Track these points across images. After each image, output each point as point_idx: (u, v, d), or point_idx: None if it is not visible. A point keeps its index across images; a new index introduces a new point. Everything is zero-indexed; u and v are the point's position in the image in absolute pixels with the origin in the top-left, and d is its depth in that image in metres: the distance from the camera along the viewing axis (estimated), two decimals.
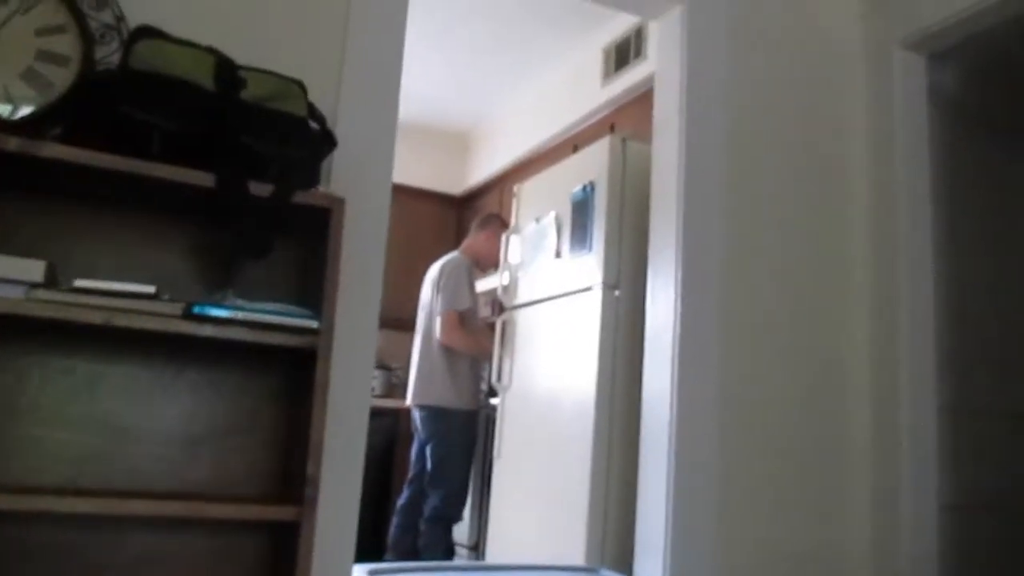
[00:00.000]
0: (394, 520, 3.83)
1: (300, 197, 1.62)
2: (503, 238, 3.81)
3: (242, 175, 1.57)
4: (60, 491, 1.53)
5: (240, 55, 1.71)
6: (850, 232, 2.62)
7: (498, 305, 3.66)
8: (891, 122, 2.66)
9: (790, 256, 2.52)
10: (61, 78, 1.68)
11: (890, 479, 2.44)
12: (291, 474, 1.69)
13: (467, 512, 3.79)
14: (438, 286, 3.79)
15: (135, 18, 1.76)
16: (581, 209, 3.00)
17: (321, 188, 1.77)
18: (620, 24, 3.91)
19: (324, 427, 1.56)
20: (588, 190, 2.97)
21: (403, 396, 4.23)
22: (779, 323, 2.46)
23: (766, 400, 2.40)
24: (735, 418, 2.35)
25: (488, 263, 3.99)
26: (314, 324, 1.57)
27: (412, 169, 5.39)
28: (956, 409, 2.73)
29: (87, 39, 1.71)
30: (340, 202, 1.65)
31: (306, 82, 1.77)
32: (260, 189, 1.58)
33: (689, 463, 2.25)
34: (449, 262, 3.88)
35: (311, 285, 1.73)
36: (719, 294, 2.37)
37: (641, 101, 3.59)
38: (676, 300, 2.33)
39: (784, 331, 2.47)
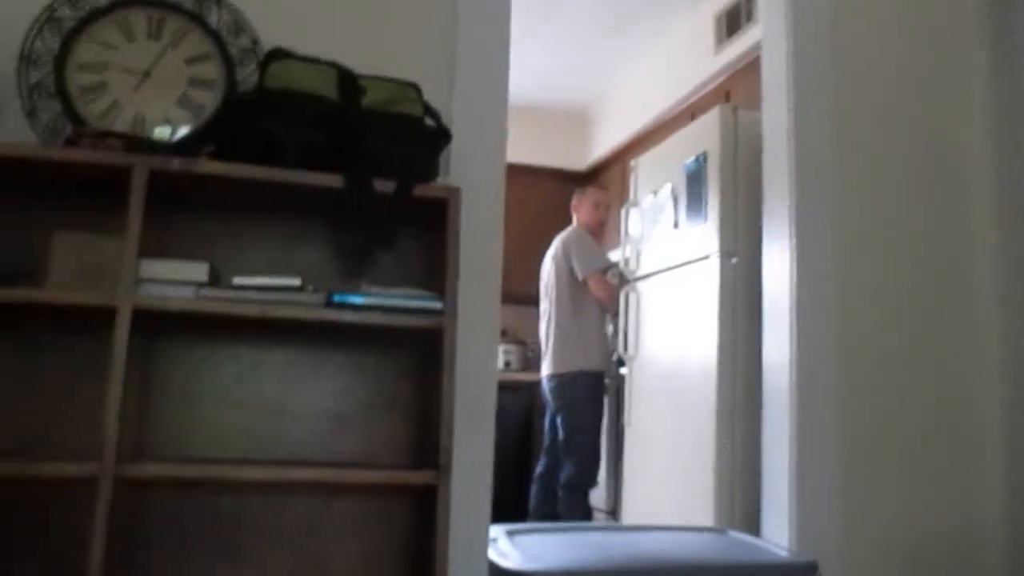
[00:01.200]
0: (533, 488, 4.01)
1: (419, 190, 1.78)
2: (589, 197, 4.11)
3: (367, 175, 1.74)
4: (236, 462, 1.77)
5: (360, 65, 1.89)
6: (973, 189, 2.55)
7: (621, 277, 3.75)
8: (1014, 73, 2.55)
9: (910, 215, 2.48)
10: (210, 100, 1.91)
11: (1022, 448, 2.37)
12: (428, 444, 1.86)
13: (603, 478, 3.92)
14: (568, 258, 3.93)
15: (269, 40, 1.97)
16: (695, 180, 3.04)
17: (440, 180, 1.92)
18: None
19: (454, 399, 1.72)
20: (701, 161, 3.01)
21: (537, 369, 4.39)
22: (898, 288, 2.44)
23: (888, 366, 2.39)
24: (856, 384, 2.35)
25: (595, 229, 4.15)
26: (438, 306, 1.73)
27: (535, 149, 5.52)
28: None
29: (229, 64, 1.94)
30: (456, 192, 1.80)
31: (421, 82, 1.93)
32: (384, 186, 1.75)
33: (811, 428, 2.28)
34: (568, 234, 4.07)
35: (437, 272, 1.88)
36: (834, 260, 2.38)
37: (755, 66, 3.55)
38: (792, 267, 2.36)
39: (904, 296, 2.44)
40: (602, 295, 3.87)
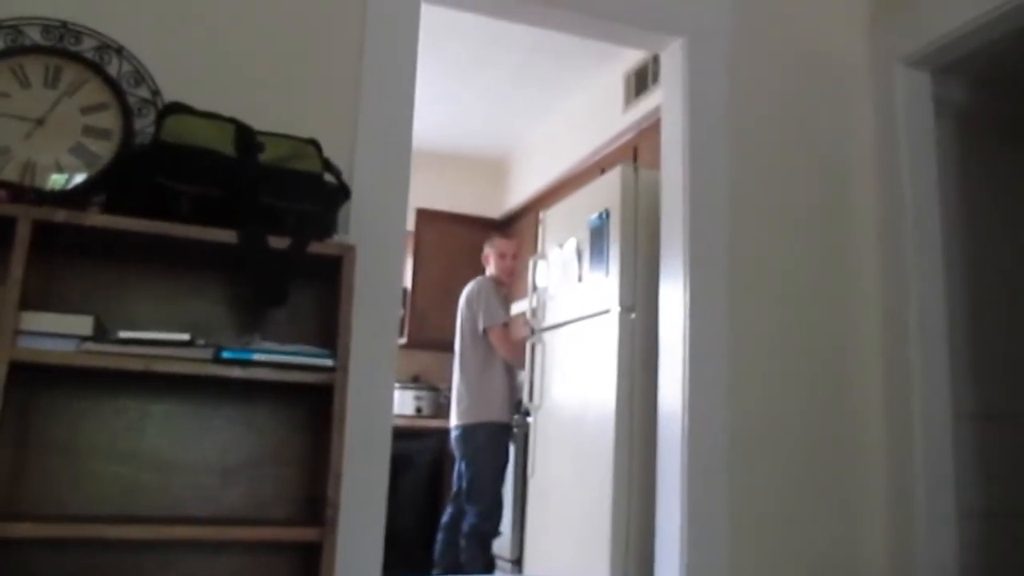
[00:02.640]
0: (439, 536, 4.00)
1: (315, 247, 1.80)
2: (497, 245, 4.25)
3: (261, 231, 1.75)
4: (115, 519, 1.73)
5: (262, 121, 1.91)
6: (858, 245, 2.70)
7: (529, 328, 3.82)
8: (896, 138, 2.72)
9: (798, 271, 2.61)
10: (105, 150, 1.90)
11: (905, 487, 2.49)
12: (318, 499, 1.85)
13: (508, 527, 3.93)
14: (472, 308, 3.99)
15: (168, 91, 1.98)
16: (598, 235, 3.13)
17: (338, 236, 1.94)
18: (639, 51, 4.03)
19: (343, 454, 1.72)
20: (604, 217, 3.11)
21: (449, 416, 4.40)
22: (788, 335, 2.56)
23: (777, 412, 2.49)
24: (746, 430, 2.44)
25: (504, 279, 4.27)
26: (330, 363, 1.74)
27: (453, 195, 5.59)
28: (974, 415, 2.78)
29: (127, 114, 1.93)
30: (351, 249, 1.83)
31: (323, 139, 1.96)
32: (278, 242, 1.76)
33: (701, 476, 2.36)
34: (473, 286, 4.15)
35: (332, 324, 1.90)
36: (726, 311, 2.48)
37: (660, 125, 3.70)
38: (685, 318, 2.45)
39: (794, 342, 2.56)
40: (502, 349, 3.93)
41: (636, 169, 3.09)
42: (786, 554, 2.43)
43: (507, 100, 4.88)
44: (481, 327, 3.93)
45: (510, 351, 3.94)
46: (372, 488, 1.99)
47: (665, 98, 2.74)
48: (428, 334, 5.16)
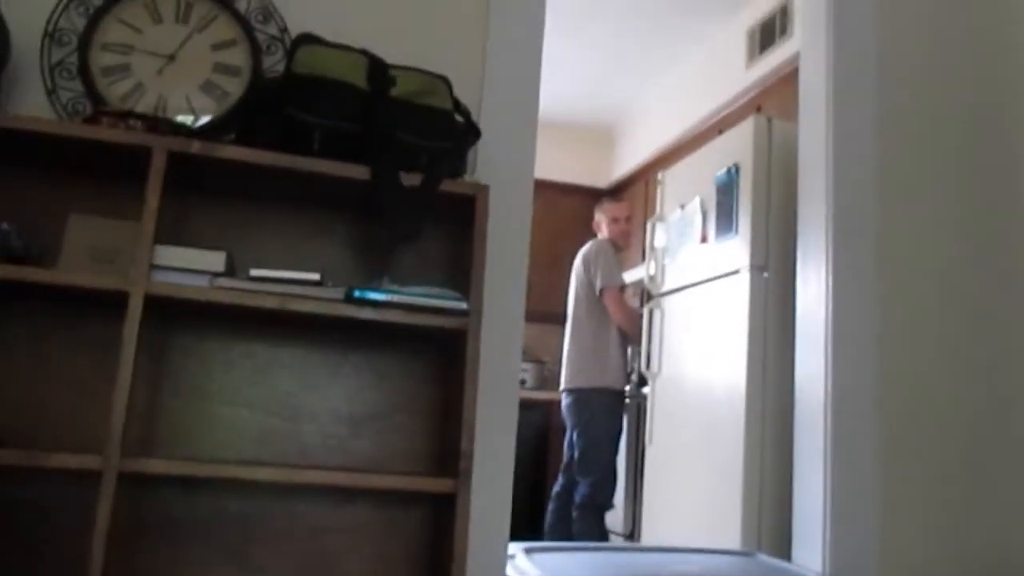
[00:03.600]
0: (549, 507, 3.91)
1: (447, 185, 1.71)
2: (610, 208, 4.07)
3: (394, 167, 1.67)
4: (247, 463, 1.69)
5: (390, 55, 1.83)
6: (1018, 210, 2.45)
7: (645, 294, 3.67)
8: None
9: (952, 232, 2.39)
10: (235, 87, 1.86)
11: None
12: (447, 451, 1.77)
13: (621, 499, 3.81)
14: (588, 270, 3.86)
15: (296, 29, 1.91)
16: (726, 192, 2.96)
17: (466, 177, 1.85)
18: (763, 4, 3.82)
19: (476, 404, 1.63)
20: (733, 173, 2.93)
21: (554, 388, 4.30)
22: (942, 300, 2.35)
23: (928, 385, 2.29)
24: (895, 404, 2.25)
25: (619, 243, 4.07)
26: (463, 306, 1.65)
27: (558, 165, 5.47)
28: None
29: (256, 50, 1.88)
30: (484, 189, 1.73)
31: (451, 77, 1.86)
32: (410, 179, 1.68)
33: (847, 449, 2.18)
34: (592, 245, 3.99)
35: (460, 271, 1.81)
36: (874, 275, 2.29)
37: (787, 82, 3.50)
38: (827, 281, 2.27)
39: (946, 314, 2.34)
40: (617, 313, 3.79)
41: (769, 121, 2.90)
42: (939, 529, 2.23)
43: (615, 64, 4.72)
44: (598, 287, 3.80)
45: (625, 316, 3.80)
46: (501, 438, 1.90)
47: (804, 45, 2.55)
48: (533, 306, 4.99)
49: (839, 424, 2.19)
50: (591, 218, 5.15)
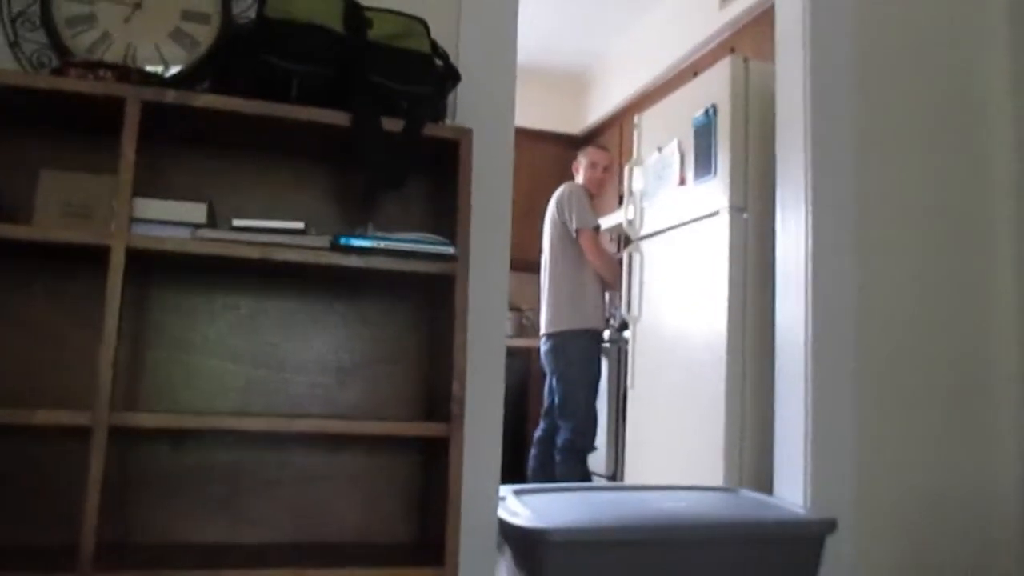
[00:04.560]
0: (531, 452, 3.96)
1: (429, 130, 1.68)
2: (591, 155, 4.05)
3: (375, 112, 1.64)
4: (236, 413, 1.68)
5: None
6: (993, 145, 2.47)
7: (624, 238, 3.67)
8: None
9: (928, 171, 2.41)
10: (205, 35, 1.81)
11: None
12: (436, 397, 1.78)
13: (603, 442, 3.86)
14: (562, 213, 3.85)
15: None
16: (704, 134, 2.95)
17: (448, 121, 1.82)
18: None
19: (465, 348, 1.64)
20: (710, 114, 2.92)
21: (534, 336, 4.32)
22: (918, 239, 2.37)
23: (906, 325, 2.33)
24: (873, 336, 2.29)
25: (593, 190, 4.07)
26: (450, 250, 1.64)
27: (531, 112, 5.41)
28: None
29: None
30: (468, 132, 1.71)
31: (428, 19, 1.82)
32: (392, 124, 1.65)
33: (826, 387, 2.22)
34: (565, 188, 3.98)
35: (443, 217, 1.80)
36: (852, 211, 2.30)
37: (760, 21, 3.47)
38: (807, 222, 2.28)
39: (923, 247, 2.37)
40: (591, 254, 3.78)
41: (745, 61, 2.89)
42: (916, 463, 2.29)
43: (588, 6, 4.65)
44: (573, 228, 3.79)
45: (600, 258, 3.80)
46: (490, 383, 1.91)
47: None
48: (511, 253, 5.05)
49: (819, 363, 2.22)
50: (566, 165, 5.13)
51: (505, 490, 2.11)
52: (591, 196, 4.00)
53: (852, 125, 2.34)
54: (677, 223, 3.12)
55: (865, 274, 2.30)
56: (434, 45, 1.81)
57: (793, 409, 2.25)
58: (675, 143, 3.16)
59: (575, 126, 5.63)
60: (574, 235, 3.79)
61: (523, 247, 4.79)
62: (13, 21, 1.72)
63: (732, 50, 3.76)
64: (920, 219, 2.39)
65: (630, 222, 3.50)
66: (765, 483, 2.44)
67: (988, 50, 2.52)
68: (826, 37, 2.37)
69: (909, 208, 2.38)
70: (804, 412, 2.22)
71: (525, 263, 4.76)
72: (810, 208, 2.29)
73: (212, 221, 1.64)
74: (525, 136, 5.31)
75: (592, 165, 4.03)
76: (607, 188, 4.31)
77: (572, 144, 5.57)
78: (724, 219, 2.80)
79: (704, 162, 2.94)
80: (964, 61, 2.49)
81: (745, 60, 2.90)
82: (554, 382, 3.82)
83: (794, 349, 2.27)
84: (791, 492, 2.22)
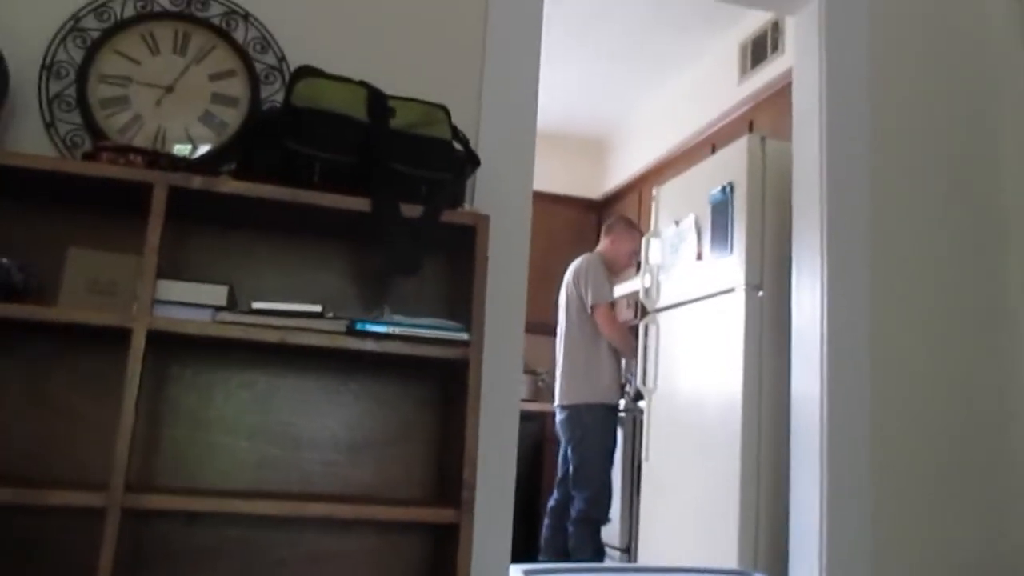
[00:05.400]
0: (545, 521, 3.92)
1: (447, 216, 1.71)
2: (629, 240, 3.98)
3: (394, 198, 1.68)
4: (248, 494, 1.69)
5: (389, 85, 1.84)
6: (1009, 226, 2.48)
7: (640, 308, 3.68)
8: None
9: (945, 249, 2.41)
10: (233, 118, 1.86)
11: None
12: (447, 478, 1.78)
13: (617, 514, 3.82)
14: (579, 285, 3.87)
15: (294, 58, 1.92)
16: (721, 210, 2.98)
17: (466, 206, 1.86)
18: (756, 19, 3.85)
19: (477, 433, 1.64)
20: (727, 191, 2.95)
21: (549, 400, 4.30)
22: (936, 317, 2.37)
23: (923, 402, 2.31)
24: (890, 422, 2.27)
25: (618, 266, 4.05)
26: (465, 336, 1.66)
27: (552, 176, 5.48)
28: None
29: (254, 81, 1.89)
30: (485, 219, 1.74)
31: (449, 104, 1.87)
32: (411, 210, 1.69)
33: (842, 466, 2.20)
34: (583, 261, 3.98)
35: (460, 298, 1.82)
36: (868, 292, 2.31)
37: (779, 96, 3.52)
38: (823, 299, 2.29)
39: (942, 330, 2.37)
40: (606, 328, 3.78)
41: (763, 140, 2.92)
42: (936, 549, 2.25)
43: (610, 76, 4.74)
44: (589, 304, 3.81)
45: (615, 332, 3.80)
46: (501, 468, 1.91)
47: (797, 65, 2.57)
48: (527, 317, 5.06)
49: (834, 442, 2.21)
50: (585, 229, 5.17)
51: (516, 569, 2.09)
52: (613, 273, 4.01)
53: (867, 204, 2.36)
54: (693, 297, 3.13)
55: (880, 353, 2.30)
56: (455, 131, 1.85)
57: (808, 489, 2.23)
58: (692, 218, 3.19)
59: (594, 191, 5.68)
60: (589, 310, 3.81)
61: (540, 310, 4.82)
62: (50, 102, 1.78)
63: (751, 123, 3.81)
64: (936, 294, 2.39)
65: (647, 292, 3.51)
66: (781, 564, 2.41)
67: (1003, 120, 2.54)
68: (842, 117, 2.40)
69: (925, 285, 2.38)
70: (819, 492, 2.20)
71: (541, 326, 4.77)
72: (826, 288, 2.29)
73: (232, 302, 1.67)
74: (545, 199, 5.38)
75: (634, 252, 3.97)
76: (629, 271, 4.29)
77: (591, 208, 5.62)
78: (740, 296, 2.81)
79: (721, 238, 2.96)
80: (978, 136, 2.51)
81: (763, 139, 2.94)
82: (569, 451, 3.80)
83: (809, 428, 2.26)
84: (806, 574, 2.19)
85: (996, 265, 2.46)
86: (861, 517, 2.20)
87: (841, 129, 2.40)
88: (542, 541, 3.89)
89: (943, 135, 2.49)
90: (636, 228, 4.13)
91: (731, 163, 2.99)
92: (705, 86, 4.33)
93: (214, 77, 1.87)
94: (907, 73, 2.49)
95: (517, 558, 3.35)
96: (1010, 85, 2.57)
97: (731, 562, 2.64)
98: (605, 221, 4.34)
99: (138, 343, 1.50)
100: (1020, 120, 2.55)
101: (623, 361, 3.96)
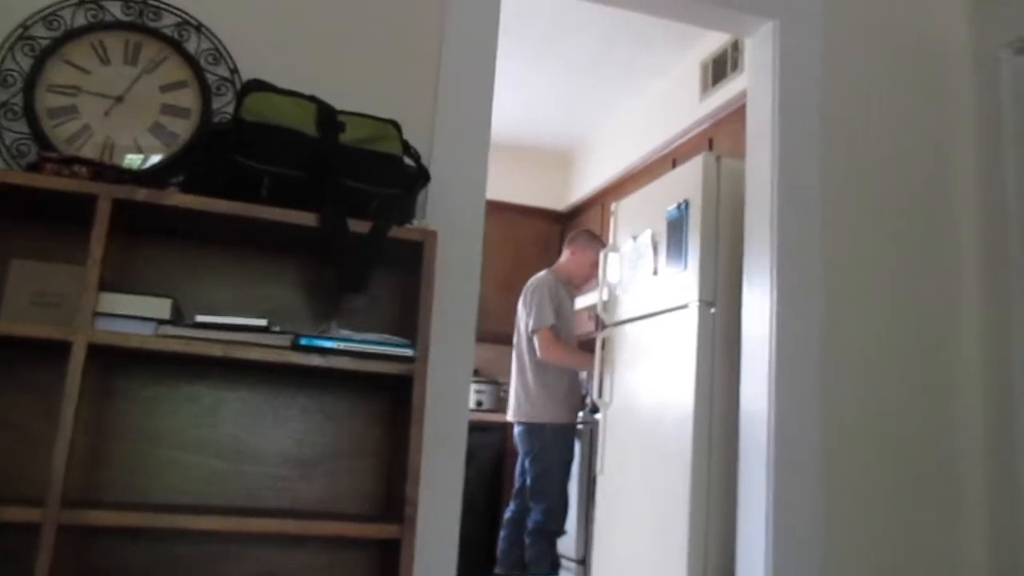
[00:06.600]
0: (501, 533, 3.92)
1: (396, 231, 1.72)
2: (591, 253, 3.96)
3: (343, 214, 1.68)
4: (193, 509, 1.67)
5: (339, 100, 1.84)
6: (958, 244, 2.54)
7: (599, 322, 3.71)
8: (1001, 131, 2.55)
9: (893, 271, 2.46)
10: (184, 129, 1.86)
11: (1008, 497, 2.34)
12: (395, 494, 1.79)
13: (573, 526, 3.83)
14: (526, 306, 3.89)
15: (247, 70, 1.92)
16: (676, 227, 3.01)
17: (416, 221, 1.87)
18: (717, 38, 3.90)
19: (421, 449, 1.65)
20: (683, 208, 2.98)
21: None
22: (882, 338, 2.41)
23: (871, 417, 2.35)
24: (838, 435, 2.31)
25: (579, 280, 4.07)
26: (410, 352, 1.67)
27: (518, 187, 5.51)
28: None
29: (206, 92, 1.89)
30: (432, 235, 1.75)
31: (401, 120, 1.88)
32: (359, 226, 1.69)
33: (789, 480, 2.23)
34: (532, 282, 3.99)
35: (410, 314, 1.83)
36: (817, 308, 2.35)
37: (739, 114, 3.56)
38: (772, 315, 2.32)
39: (890, 344, 2.41)
40: (544, 352, 3.75)
41: (718, 158, 2.96)
42: (882, 563, 2.29)
43: (575, 90, 4.78)
44: (529, 328, 3.82)
45: (552, 356, 3.77)
46: (448, 484, 1.92)
47: (752, 85, 2.61)
48: (490, 327, 5.05)
49: (782, 456, 2.24)
50: (550, 240, 5.18)
51: None
52: (570, 284, 4.02)
53: (818, 223, 2.40)
54: (649, 312, 3.16)
55: (830, 369, 2.34)
56: (406, 146, 1.87)
57: (755, 501, 2.26)
58: (649, 234, 3.22)
59: (560, 203, 5.71)
60: (530, 335, 3.81)
61: (504, 320, 4.84)
62: None
63: (711, 141, 3.86)
64: (886, 313, 2.43)
65: (605, 306, 3.54)
66: (731, 575, 2.44)
67: (955, 150, 2.60)
68: (795, 137, 2.45)
69: (875, 304, 2.43)
70: (766, 505, 2.23)
71: (505, 336, 4.78)
72: (775, 305, 2.33)
73: (177, 316, 1.66)
74: (511, 211, 5.41)
75: (594, 265, 3.94)
76: (592, 283, 4.29)
77: (557, 220, 5.64)
78: (694, 312, 2.84)
79: (676, 255, 3.00)
80: (929, 155, 2.57)
81: (718, 157, 2.98)
82: (527, 463, 3.82)
83: (757, 442, 2.29)
84: None
85: (947, 281, 2.51)
86: (808, 530, 2.23)
87: (793, 149, 2.44)
88: (498, 552, 3.89)
89: (894, 156, 2.54)
90: (599, 240, 4.15)
91: (687, 180, 3.02)
92: (667, 103, 4.38)
93: (165, 88, 1.87)
94: (860, 95, 2.54)
95: (476, 569, 3.36)
96: (962, 106, 2.63)
97: (681, 574, 2.67)
98: (568, 234, 4.36)
99: (78, 356, 1.49)
100: (972, 140, 2.62)
101: (582, 375, 3.98)
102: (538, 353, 3.77)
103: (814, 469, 2.27)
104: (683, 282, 2.94)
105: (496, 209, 5.40)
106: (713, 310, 2.82)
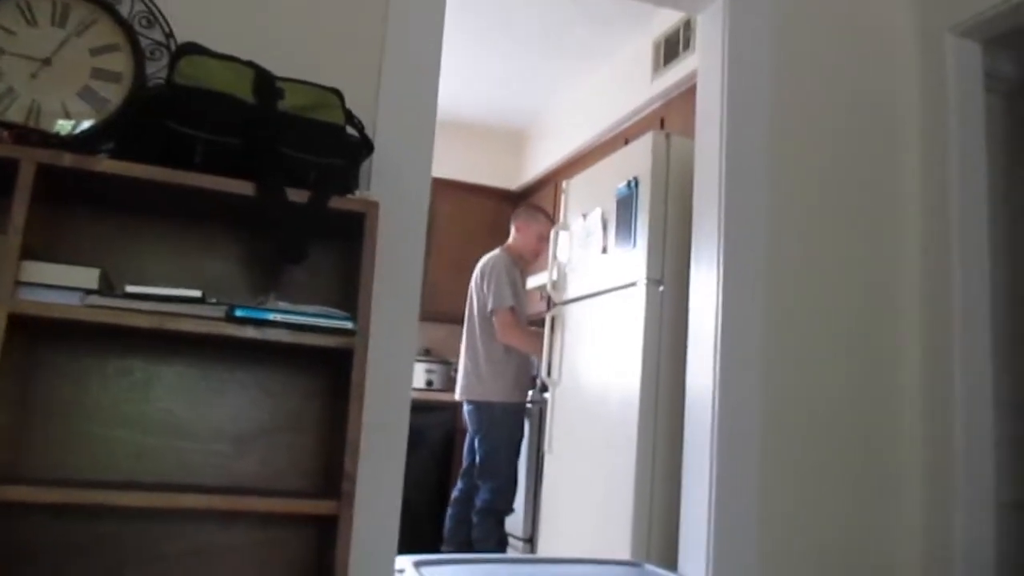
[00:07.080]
0: (449, 511, 3.91)
1: (336, 202, 1.68)
2: (536, 225, 3.97)
3: (280, 183, 1.64)
4: (122, 486, 1.62)
5: (280, 67, 1.79)
6: (901, 224, 2.57)
7: (549, 300, 3.70)
8: (945, 111, 2.58)
9: (837, 248, 2.49)
10: (115, 94, 1.78)
11: (943, 475, 2.39)
12: (334, 470, 1.75)
13: (520, 505, 3.84)
14: (481, 287, 3.86)
15: (182, 35, 1.86)
16: (626, 205, 3.01)
17: (359, 192, 1.83)
18: (669, 17, 3.89)
19: (361, 424, 1.62)
20: (632, 186, 2.98)
21: None
22: (826, 315, 2.44)
23: (812, 395, 2.38)
24: (779, 413, 2.33)
25: (529, 256, 4.04)
26: (349, 325, 1.63)
27: (471, 166, 5.47)
28: (1017, 404, 2.66)
29: (138, 56, 1.81)
30: (374, 206, 1.71)
31: (345, 90, 1.83)
32: (298, 196, 1.65)
33: (731, 460, 2.25)
34: (488, 262, 3.96)
35: (352, 288, 1.79)
36: (762, 287, 2.36)
37: (691, 94, 3.55)
38: (718, 294, 2.33)
39: (832, 324, 2.44)
40: (503, 334, 3.74)
41: (668, 137, 2.96)
42: (819, 541, 2.33)
43: (528, 68, 4.74)
44: (489, 307, 3.79)
45: (511, 337, 3.76)
46: (389, 460, 1.89)
47: (701, 63, 2.61)
48: (440, 306, 5.04)
49: (724, 436, 2.26)
50: (501, 219, 5.14)
51: (405, 560, 2.08)
52: (522, 261, 4.00)
53: (765, 202, 2.41)
54: (598, 291, 3.16)
55: (774, 348, 2.35)
56: (349, 115, 1.82)
57: (698, 482, 2.28)
58: (599, 212, 3.21)
59: (512, 182, 5.68)
60: (489, 313, 3.80)
61: (454, 299, 4.81)
62: None
63: (662, 120, 3.86)
64: (829, 294, 2.45)
65: (554, 284, 3.53)
66: (674, 556, 2.45)
67: (900, 131, 2.63)
68: (743, 115, 2.45)
69: (819, 284, 2.45)
70: (708, 485, 2.25)
71: (455, 315, 4.75)
72: (721, 284, 2.34)
73: (106, 286, 1.60)
74: (462, 189, 5.37)
75: (541, 238, 3.95)
76: (543, 259, 4.30)
77: (508, 199, 5.61)
78: (641, 290, 2.84)
79: (625, 233, 2.99)
80: (876, 143, 2.59)
81: (668, 135, 2.98)
82: (475, 442, 3.80)
83: (702, 422, 2.31)
84: (694, 567, 2.24)
85: (891, 264, 2.55)
86: (748, 509, 2.25)
87: (741, 127, 2.44)
88: (445, 531, 3.88)
89: (842, 134, 2.56)
90: (542, 211, 4.14)
91: (637, 158, 3.02)
92: (620, 82, 4.37)
93: (95, 51, 1.79)
94: (808, 73, 2.55)
95: (425, 548, 3.34)
96: (908, 86, 2.66)
97: (625, 553, 2.68)
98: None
99: None
100: (918, 120, 2.65)
101: (532, 358, 3.97)
102: (497, 335, 3.75)
103: (756, 447, 2.29)
104: (632, 260, 2.94)
105: (447, 187, 5.38)
106: (661, 288, 2.83)
